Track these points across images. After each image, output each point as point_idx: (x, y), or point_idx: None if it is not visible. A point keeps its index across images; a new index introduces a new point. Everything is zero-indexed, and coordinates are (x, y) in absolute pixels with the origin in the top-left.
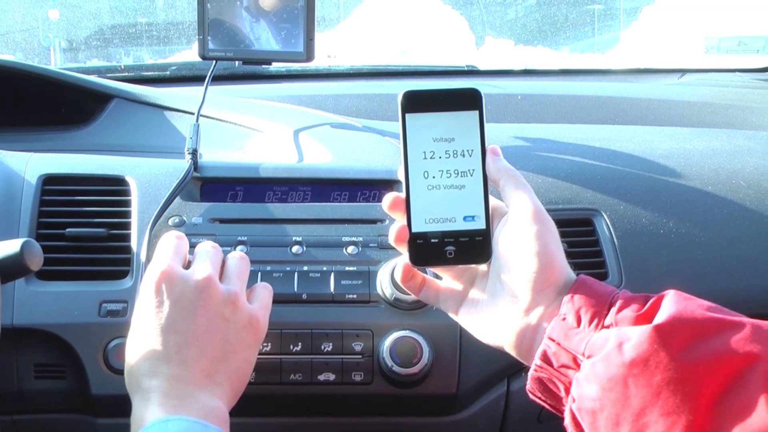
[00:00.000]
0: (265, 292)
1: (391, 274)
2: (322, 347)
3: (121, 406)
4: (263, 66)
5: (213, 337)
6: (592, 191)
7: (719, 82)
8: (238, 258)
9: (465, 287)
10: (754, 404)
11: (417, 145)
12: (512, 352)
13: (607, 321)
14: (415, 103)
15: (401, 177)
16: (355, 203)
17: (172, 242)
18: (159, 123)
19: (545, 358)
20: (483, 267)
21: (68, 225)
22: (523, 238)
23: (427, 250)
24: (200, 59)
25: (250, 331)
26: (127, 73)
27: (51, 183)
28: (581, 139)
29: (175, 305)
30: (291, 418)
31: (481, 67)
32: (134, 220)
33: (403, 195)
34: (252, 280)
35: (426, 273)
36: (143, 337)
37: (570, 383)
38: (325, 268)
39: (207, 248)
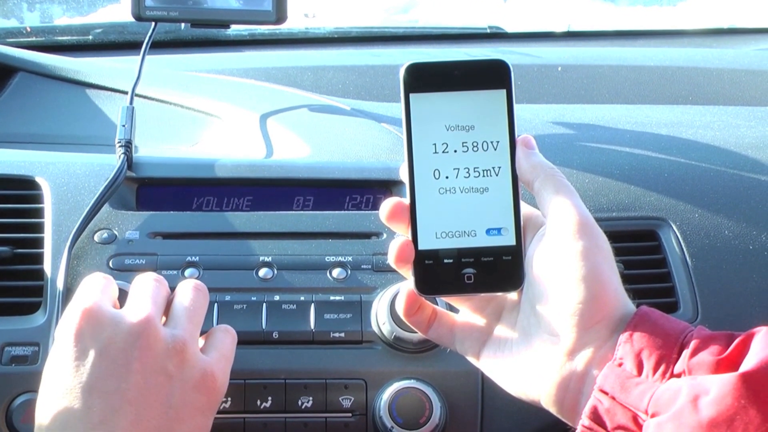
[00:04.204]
0: (226, 337)
1: (390, 305)
2: (300, 403)
3: None
4: (219, 29)
5: (151, 400)
6: (657, 194)
7: None
8: (191, 290)
9: (489, 323)
10: None
11: (425, 135)
12: (551, 409)
13: (678, 368)
14: (423, 79)
15: (404, 177)
16: (342, 211)
17: (99, 282)
18: (80, 105)
19: (596, 417)
20: (512, 296)
21: None
22: (566, 258)
23: (439, 273)
24: (134, 20)
25: (202, 391)
26: (35, 38)
27: None
28: (643, 124)
29: (101, 357)
30: None
31: (509, 28)
32: (48, 236)
33: (406, 201)
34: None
35: (437, 304)
36: (58, 399)
37: None
38: (302, 298)
39: (147, 281)
